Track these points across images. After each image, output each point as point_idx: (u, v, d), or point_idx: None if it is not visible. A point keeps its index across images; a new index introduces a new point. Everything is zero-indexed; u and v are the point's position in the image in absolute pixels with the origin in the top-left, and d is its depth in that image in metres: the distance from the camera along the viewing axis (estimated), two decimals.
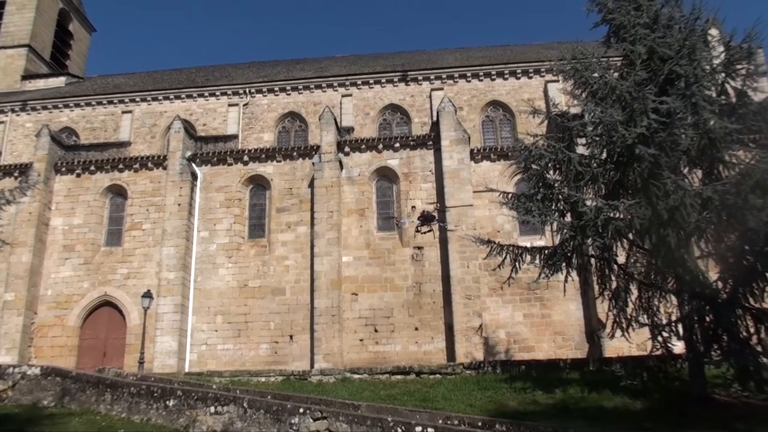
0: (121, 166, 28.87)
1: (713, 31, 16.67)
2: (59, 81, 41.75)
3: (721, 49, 16.02)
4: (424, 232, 25.41)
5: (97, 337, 26.49)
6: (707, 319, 14.49)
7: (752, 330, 14.23)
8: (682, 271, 14.41)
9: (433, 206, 25.36)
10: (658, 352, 15.86)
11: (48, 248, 27.73)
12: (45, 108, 37.12)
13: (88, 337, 26.53)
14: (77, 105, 37.16)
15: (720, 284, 14.91)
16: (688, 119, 14.36)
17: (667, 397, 15.04)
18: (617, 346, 20.75)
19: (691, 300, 14.52)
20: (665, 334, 15.59)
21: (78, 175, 28.91)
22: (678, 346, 15.99)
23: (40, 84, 40.91)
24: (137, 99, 36.86)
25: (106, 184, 28.72)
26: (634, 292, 16.19)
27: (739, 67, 15.38)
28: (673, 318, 15.77)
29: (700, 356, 14.68)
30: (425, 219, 25.35)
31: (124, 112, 36.55)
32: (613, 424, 12.67)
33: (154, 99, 36.81)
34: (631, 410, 14.17)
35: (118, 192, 28.86)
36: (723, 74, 15.52)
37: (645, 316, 15.98)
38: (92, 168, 28.85)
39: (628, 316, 16.10)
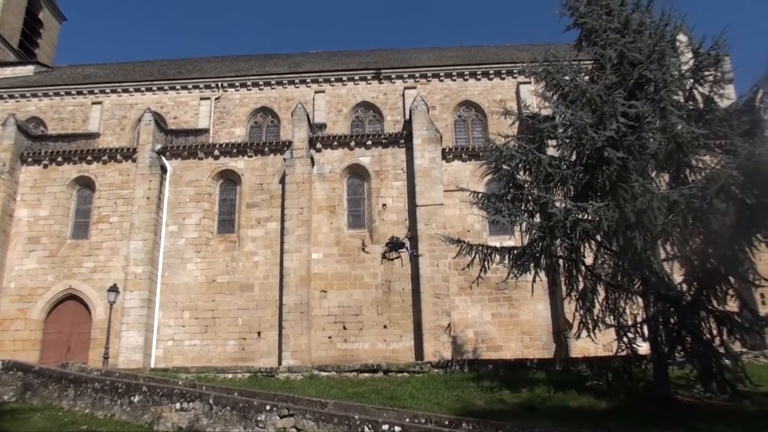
0: (89, 157, 28.39)
1: (682, 37, 16.94)
2: (27, 69, 40.87)
3: (690, 55, 16.31)
4: (392, 258, 25.43)
5: (61, 332, 26.02)
6: (672, 320, 14.72)
7: (715, 332, 14.51)
8: (648, 273, 14.62)
9: (405, 234, 25.32)
10: (624, 353, 16.09)
11: (12, 240, 27.18)
12: (12, 97, 36.34)
13: (52, 331, 26.04)
14: (45, 94, 36.46)
15: (685, 286, 15.19)
16: (656, 123, 14.62)
17: (631, 397, 15.27)
18: (583, 346, 21.01)
19: (657, 302, 14.74)
20: (630, 335, 15.82)
21: (45, 166, 28.39)
22: (643, 347, 16.24)
23: (8, 72, 40.00)
24: (107, 90, 36.26)
25: (73, 176, 28.25)
26: (601, 293, 16.42)
27: (706, 73, 15.69)
28: (639, 319, 16.02)
29: (664, 357, 14.92)
30: (394, 245, 25.39)
31: (93, 103, 35.91)
32: (578, 423, 12.81)
33: (125, 91, 36.25)
34: (596, 410, 14.35)
35: (85, 184, 28.41)
36: (691, 80, 15.82)
37: (611, 317, 16.21)
38: (59, 159, 28.36)
39: (595, 317, 16.32)
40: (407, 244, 25.16)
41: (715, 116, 15.26)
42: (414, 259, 25.35)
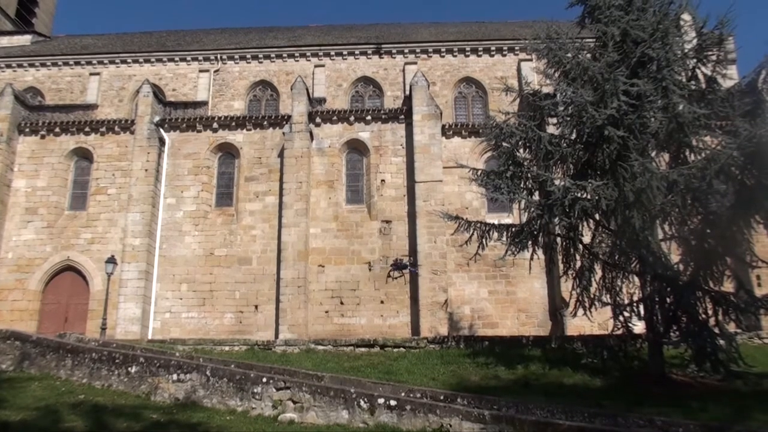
0: (87, 128, 28.25)
1: (686, 16, 16.81)
2: (24, 39, 40.41)
3: (693, 34, 16.20)
4: (396, 277, 25.40)
5: (58, 302, 26.07)
6: (668, 300, 14.81)
7: (710, 312, 14.61)
8: (645, 252, 14.66)
9: (406, 258, 25.33)
10: (619, 332, 16.19)
11: (9, 210, 27.10)
12: (9, 66, 36.06)
13: (50, 302, 26.10)
14: (43, 65, 36.19)
15: (681, 267, 15.27)
16: (657, 102, 14.56)
17: (625, 375, 15.39)
18: (579, 324, 21.12)
19: (653, 281, 14.81)
20: (626, 314, 15.91)
21: (42, 137, 28.25)
22: (638, 327, 16.33)
23: (4, 41, 39.59)
24: (105, 61, 36.01)
25: (71, 147, 28.12)
26: (598, 272, 16.46)
27: (710, 53, 15.60)
28: (635, 298, 16.09)
29: (659, 336, 15.02)
30: (397, 266, 25.41)
31: (91, 74, 35.66)
32: (573, 400, 12.91)
33: (123, 62, 35.99)
34: (590, 387, 14.47)
35: (83, 155, 28.29)
36: (694, 60, 15.73)
37: (607, 296, 16.28)
38: (57, 130, 28.21)
39: (591, 296, 16.38)
40: (410, 266, 25.20)
41: (717, 96, 15.23)
42: (411, 233, 25.41)
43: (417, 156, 26.16)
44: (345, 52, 35.17)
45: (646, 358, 15.62)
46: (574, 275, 16.53)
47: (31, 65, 36.18)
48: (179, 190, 27.29)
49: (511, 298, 25.30)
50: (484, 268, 25.04)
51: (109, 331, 23.82)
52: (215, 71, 35.38)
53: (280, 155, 27.06)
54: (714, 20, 15.41)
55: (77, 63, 36.06)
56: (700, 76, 15.85)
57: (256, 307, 25.44)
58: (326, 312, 25.12)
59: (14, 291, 25.95)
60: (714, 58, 15.60)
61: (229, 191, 27.64)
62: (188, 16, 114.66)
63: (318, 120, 27.57)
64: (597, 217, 15.66)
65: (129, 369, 14.70)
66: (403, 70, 34.22)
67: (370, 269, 25.51)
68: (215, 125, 28.07)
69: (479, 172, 17.20)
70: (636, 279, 16.04)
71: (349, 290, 25.34)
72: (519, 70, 33.27)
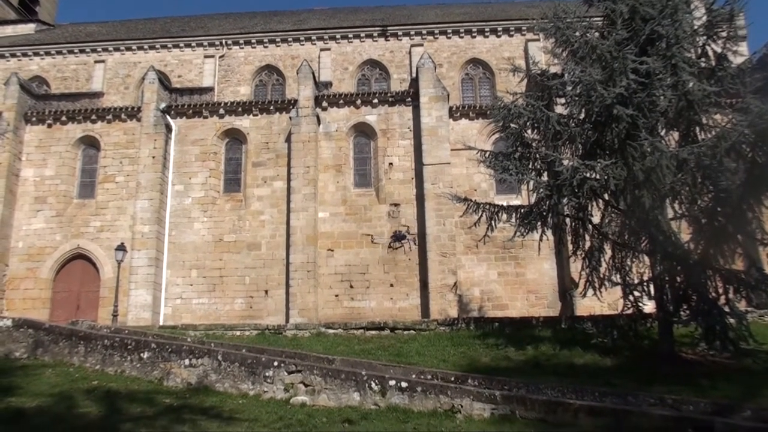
0: (93, 117, 28.30)
1: None
2: (28, 28, 40.33)
3: (703, 11, 15.99)
4: (396, 248, 25.51)
5: (70, 290, 26.29)
6: (678, 279, 14.76)
7: (721, 290, 14.54)
8: (655, 231, 14.59)
9: (405, 228, 25.62)
10: (629, 311, 16.16)
11: (19, 200, 27.25)
12: (14, 56, 36.01)
13: (61, 290, 26.31)
14: (48, 53, 36.11)
15: (692, 245, 15.17)
16: (667, 80, 14.41)
17: (636, 354, 15.38)
18: (589, 305, 21.10)
19: (663, 260, 14.74)
20: (636, 294, 15.87)
21: (49, 126, 28.32)
22: (648, 306, 16.30)
23: (8, 31, 39.51)
24: (110, 48, 35.91)
25: (78, 135, 28.19)
26: (608, 251, 16.40)
27: (720, 29, 15.39)
28: (645, 278, 16.03)
29: (669, 315, 14.98)
30: (397, 238, 25.66)
31: (96, 62, 35.60)
32: (583, 380, 12.93)
33: (128, 49, 35.89)
34: (601, 367, 14.47)
35: (90, 143, 28.36)
36: (704, 36, 15.53)
37: (617, 276, 16.22)
38: (64, 118, 28.28)
39: (601, 276, 16.33)
40: (407, 235, 25.52)
41: (727, 73, 15.03)
42: (420, 216, 25.47)
43: (424, 138, 26.09)
44: (350, 35, 34.96)
45: (656, 337, 15.60)
46: (583, 255, 16.49)
47: (36, 54, 36.10)
48: (187, 176, 27.33)
49: (520, 280, 25.31)
50: (493, 250, 25.05)
51: (121, 318, 23.99)
52: (220, 57, 35.27)
53: (287, 140, 27.05)
54: None
55: (82, 51, 35.96)
56: (710, 53, 15.66)
57: (266, 292, 25.55)
58: (336, 296, 25.20)
59: (26, 280, 26.16)
60: (724, 34, 15.39)
61: (237, 177, 27.67)
62: (192, 2, 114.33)
63: (324, 104, 27.50)
64: (606, 196, 15.59)
65: (141, 355, 14.81)
66: (410, 53, 34.02)
67: (372, 241, 25.61)
68: (222, 111, 28.06)
69: (487, 154, 17.13)
70: (646, 258, 15.97)
71: (359, 274, 25.40)
72: (526, 50, 33.02)
